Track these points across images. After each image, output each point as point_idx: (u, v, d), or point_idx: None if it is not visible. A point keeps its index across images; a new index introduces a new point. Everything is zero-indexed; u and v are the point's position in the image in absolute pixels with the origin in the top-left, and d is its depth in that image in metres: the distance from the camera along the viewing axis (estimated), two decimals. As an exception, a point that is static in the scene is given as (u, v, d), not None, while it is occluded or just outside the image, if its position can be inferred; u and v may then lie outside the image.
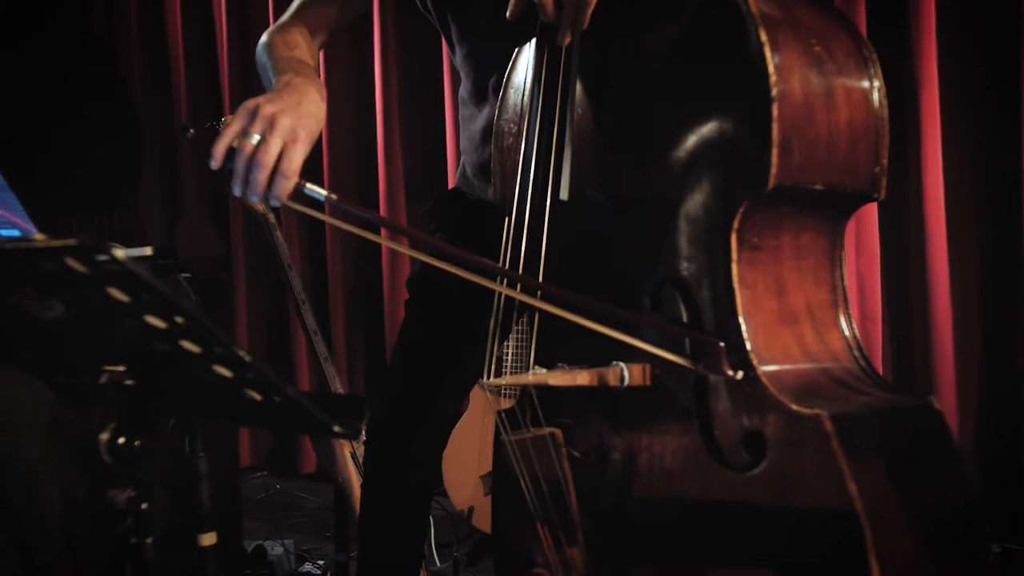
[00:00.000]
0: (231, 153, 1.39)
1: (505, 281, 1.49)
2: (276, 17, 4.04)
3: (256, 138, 1.38)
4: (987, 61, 2.94)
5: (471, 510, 3.12)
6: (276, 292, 4.11)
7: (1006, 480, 2.98)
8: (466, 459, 3.06)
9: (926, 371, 3.07)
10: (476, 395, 2.98)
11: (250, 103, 1.43)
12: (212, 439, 2.16)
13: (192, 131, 2.73)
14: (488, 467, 1.76)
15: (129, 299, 0.93)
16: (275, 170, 1.38)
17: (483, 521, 3.05)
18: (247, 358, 0.98)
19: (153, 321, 0.96)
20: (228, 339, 0.97)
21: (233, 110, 4.02)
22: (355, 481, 2.76)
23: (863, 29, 3.02)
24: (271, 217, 2.78)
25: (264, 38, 1.77)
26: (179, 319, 0.94)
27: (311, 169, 3.98)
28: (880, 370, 3.05)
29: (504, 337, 1.52)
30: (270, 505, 3.71)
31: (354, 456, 2.80)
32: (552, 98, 1.46)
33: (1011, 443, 2.98)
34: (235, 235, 4.22)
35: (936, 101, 2.94)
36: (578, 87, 1.46)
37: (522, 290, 1.47)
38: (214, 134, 1.41)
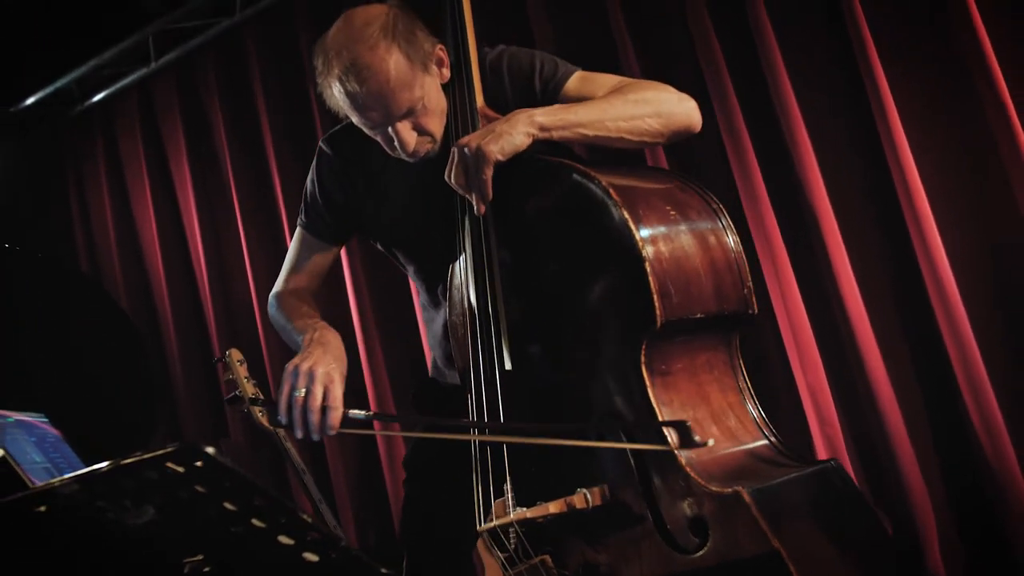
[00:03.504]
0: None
1: (477, 431, 1.82)
2: (252, 265, 4.36)
3: (303, 391, 1.79)
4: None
5: None
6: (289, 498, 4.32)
7: (986, 548, 3.17)
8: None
9: (890, 462, 3.25)
10: None
11: (289, 366, 1.85)
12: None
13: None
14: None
15: (211, 490, 1.10)
16: (324, 407, 1.78)
17: None
18: (310, 520, 1.17)
19: (229, 506, 1.13)
20: (293, 507, 1.16)
21: (221, 345, 4.32)
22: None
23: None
24: (280, 431, 3.04)
25: (272, 304, 2.23)
26: (256, 500, 1.11)
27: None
28: (849, 468, 3.28)
29: (495, 490, 1.79)
30: None
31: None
32: (481, 271, 1.83)
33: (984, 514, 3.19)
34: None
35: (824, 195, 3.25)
36: (502, 270, 1.81)
37: (493, 433, 1.80)
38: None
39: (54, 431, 2.16)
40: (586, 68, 2.02)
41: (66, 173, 5.10)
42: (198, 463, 1.06)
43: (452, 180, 1.81)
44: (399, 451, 3.99)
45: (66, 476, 1.12)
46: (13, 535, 1.23)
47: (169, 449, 1.05)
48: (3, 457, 1.91)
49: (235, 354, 3.01)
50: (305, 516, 1.15)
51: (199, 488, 1.10)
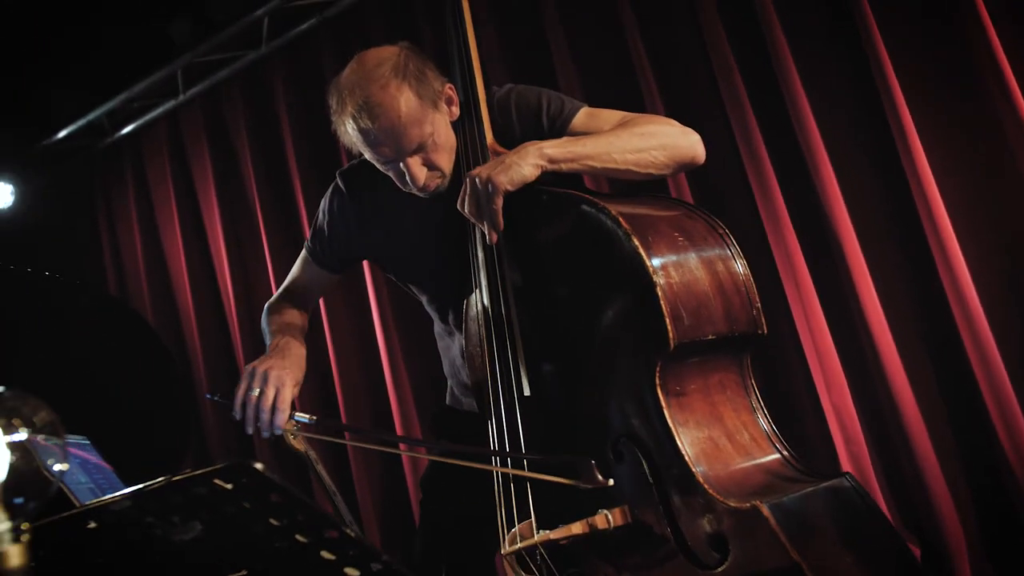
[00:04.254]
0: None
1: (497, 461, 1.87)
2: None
3: (256, 391, 1.94)
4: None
5: None
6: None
7: (1017, 566, 3.15)
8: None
9: (916, 479, 3.25)
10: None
11: (248, 367, 2.00)
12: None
13: (217, 397, 3.04)
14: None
15: (257, 505, 1.10)
16: (273, 408, 1.92)
17: None
18: (353, 535, 1.15)
19: (274, 522, 1.11)
20: (338, 523, 1.15)
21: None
22: None
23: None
24: (312, 453, 3.08)
25: (264, 312, 2.35)
26: (300, 515, 1.10)
27: (330, 403, 4.32)
28: (876, 485, 3.28)
29: (519, 514, 1.83)
30: None
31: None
32: (496, 300, 1.88)
33: (1014, 531, 3.18)
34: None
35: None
36: (516, 298, 1.86)
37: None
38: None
39: (95, 454, 2.24)
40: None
41: (97, 203, 5.22)
42: (245, 479, 1.08)
43: (464, 209, 1.86)
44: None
45: (118, 493, 1.14)
46: (63, 552, 1.25)
47: (218, 466, 1.07)
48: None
49: (265, 379, 3.06)
50: (348, 531, 1.15)
51: (246, 504, 1.11)
